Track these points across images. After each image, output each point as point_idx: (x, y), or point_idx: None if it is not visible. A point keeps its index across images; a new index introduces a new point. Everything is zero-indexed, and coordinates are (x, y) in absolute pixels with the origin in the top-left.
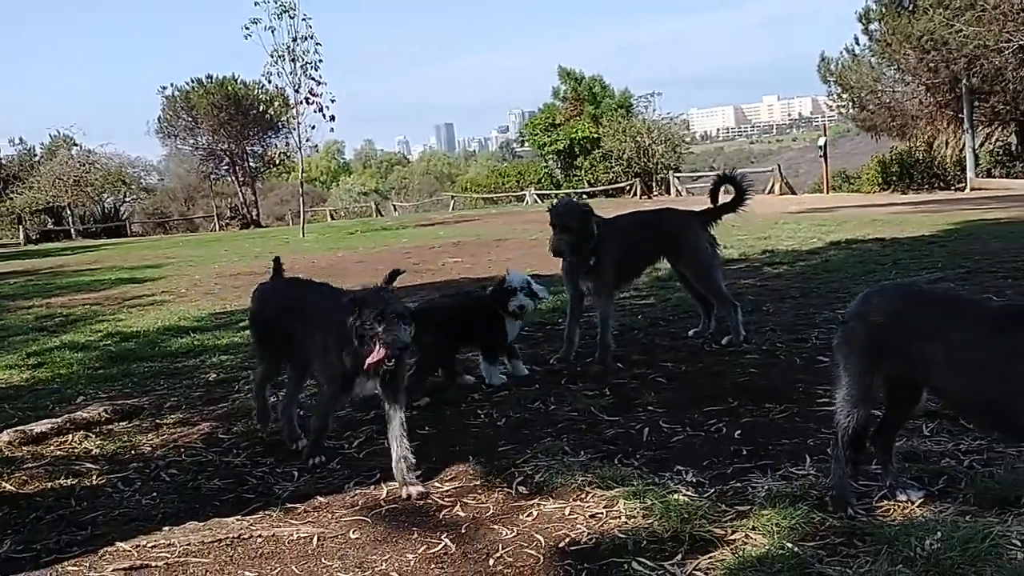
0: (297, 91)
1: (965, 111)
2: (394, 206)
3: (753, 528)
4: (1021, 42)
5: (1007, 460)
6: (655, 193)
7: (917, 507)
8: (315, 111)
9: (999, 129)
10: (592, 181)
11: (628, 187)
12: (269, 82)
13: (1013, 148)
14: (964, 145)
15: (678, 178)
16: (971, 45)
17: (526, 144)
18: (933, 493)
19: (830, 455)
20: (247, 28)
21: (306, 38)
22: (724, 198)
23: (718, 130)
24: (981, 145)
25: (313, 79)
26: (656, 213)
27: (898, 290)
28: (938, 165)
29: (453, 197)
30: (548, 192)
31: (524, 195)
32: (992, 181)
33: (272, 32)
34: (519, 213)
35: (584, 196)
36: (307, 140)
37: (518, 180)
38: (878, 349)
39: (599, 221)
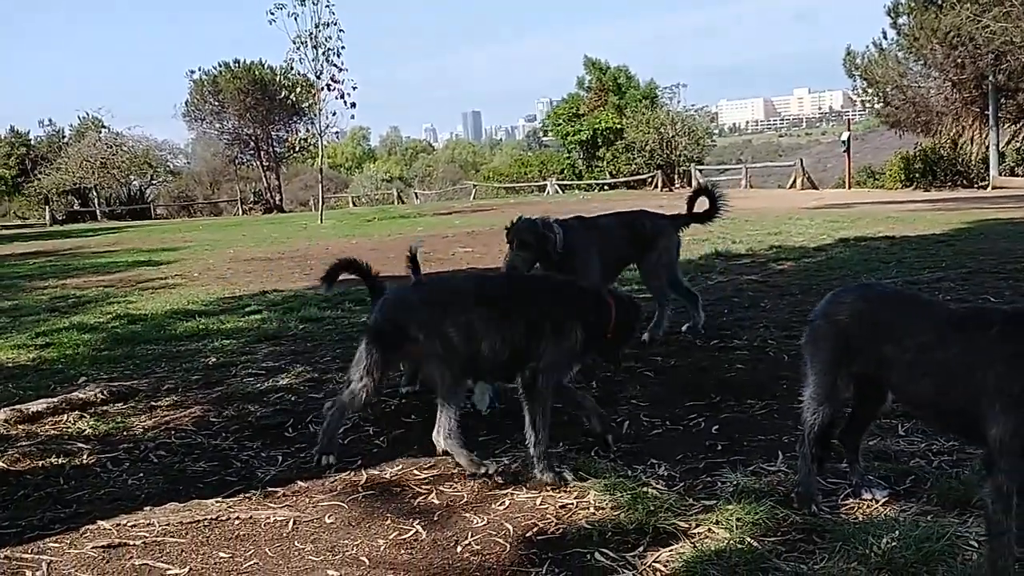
0: (319, 77)
1: (991, 108)
2: (416, 194)
3: (716, 522)
4: None
5: (975, 462)
6: (677, 186)
7: (881, 506)
8: (336, 98)
9: None
10: (614, 172)
11: (650, 179)
12: (292, 68)
13: None
14: (989, 142)
15: (700, 171)
16: (998, 41)
17: (550, 134)
18: (898, 492)
19: (798, 452)
20: (271, 13)
21: (328, 24)
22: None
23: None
24: (1007, 143)
25: (335, 65)
26: (635, 214)
27: (863, 290)
28: (962, 162)
29: (475, 186)
30: (570, 183)
31: (546, 185)
32: (1015, 180)
33: (295, 18)
34: (538, 203)
35: (605, 188)
36: (329, 126)
37: (540, 170)
38: (843, 348)
39: (579, 222)
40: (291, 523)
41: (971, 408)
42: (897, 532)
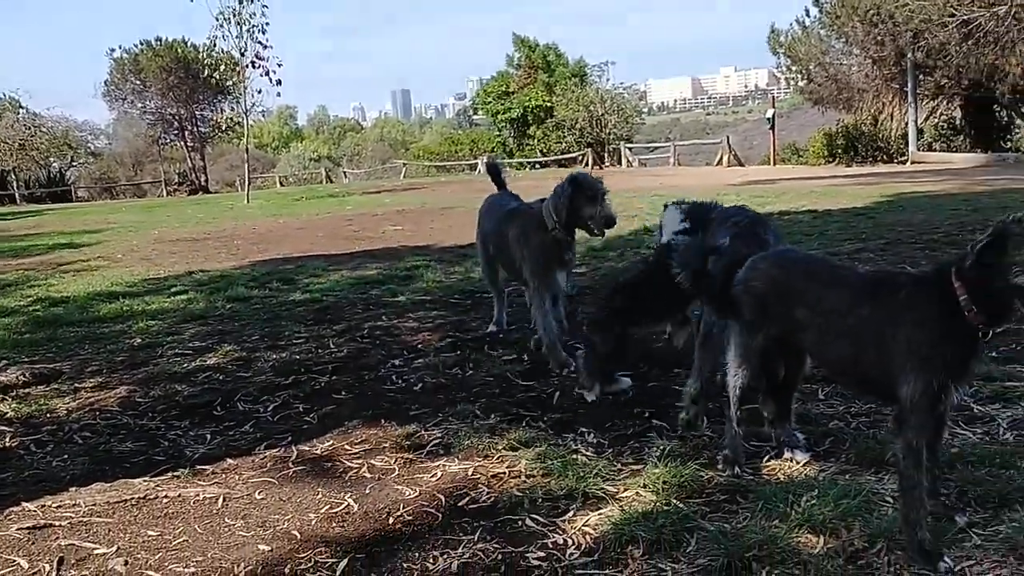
0: (243, 55)
1: (909, 85)
2: (344, 173)
3: (643, 486)
4: (964, 17)
5: (889, 421)
6: (607, 164)
7: (801, 466)
8: (261, 75)
9: (943, 103)
10: (545, 150)
11: (580, 157)
12: (215, 46)
13: (956, 122)
14: (908, 119)
15: (630, 149)
16: (916, 20)
17: (480, 112)
18: (818, 453)
19: (724, 416)
20: None
21: (252, 0)
22: None
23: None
24: (926, 119)
25: (260, 43)
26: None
27: (777, 257)
28: (882, 138)
29: (405, 165)
30: (501, 161)
31: (477, 163)
32: (932, 155)
33: None
34: (469, 182)
35: (536, 166)
36: (255, 105)
37: (471, 148)
38: (760, 314)
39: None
40: (221, 500)
41: (883, 369)
42: (816, 491)
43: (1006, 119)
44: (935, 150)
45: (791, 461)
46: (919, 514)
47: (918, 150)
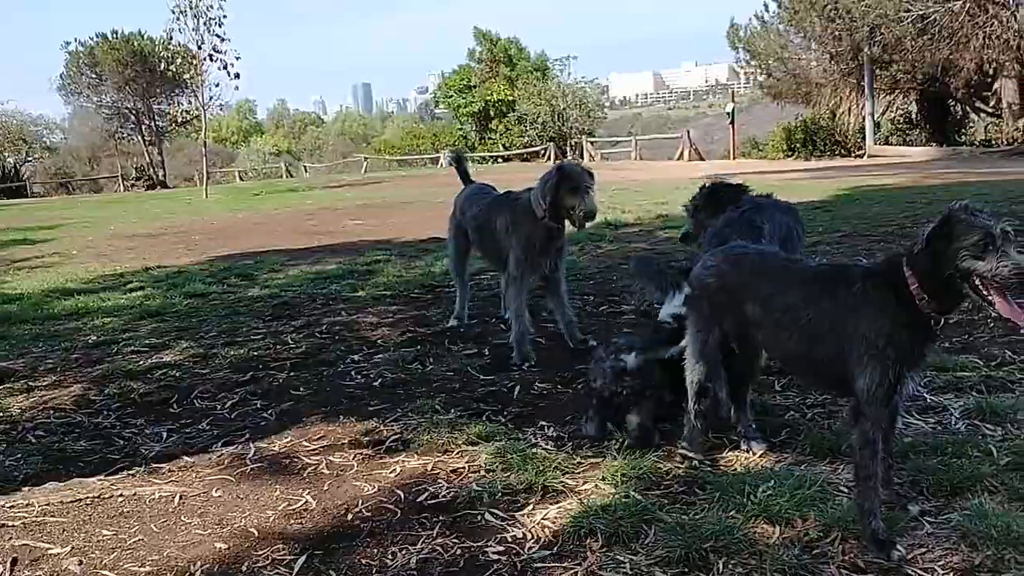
0: (200, 48)
1: (866, 79)
2: (305, 168)
3: (603, 478)
4: (920, 12)
5: (844, 412)
6: (569, 158)
7: (758, 457)
8: (219, 68)
9: (899, 97)
10: (507, 145)
11: (543, 151)
12: (171, 39)
13: (912, 116)
14: (865, 113)
15: (592, 143)
16: (873, 15)
17: (441, 106)
18: (774, 444)
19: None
20: None
21: None
22: None
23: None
24: (882, 113)
25: (217, 35)
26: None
27: (730, 253)
28: (840, 132)
29: (366, 159)
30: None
31: (438, 158)
32: (889, 148)
33: None
34: (430, 176)
35: (499, 160)
36: (213, 99)
37: (433, 142)
38: (713, 309)
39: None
40: (177, 498)
41: (839, 361)
42: (772, 481)
43: (960, 113)
44: (892, 144)
45: (748, 452)
46: (874, 504)
47: (875, 144)
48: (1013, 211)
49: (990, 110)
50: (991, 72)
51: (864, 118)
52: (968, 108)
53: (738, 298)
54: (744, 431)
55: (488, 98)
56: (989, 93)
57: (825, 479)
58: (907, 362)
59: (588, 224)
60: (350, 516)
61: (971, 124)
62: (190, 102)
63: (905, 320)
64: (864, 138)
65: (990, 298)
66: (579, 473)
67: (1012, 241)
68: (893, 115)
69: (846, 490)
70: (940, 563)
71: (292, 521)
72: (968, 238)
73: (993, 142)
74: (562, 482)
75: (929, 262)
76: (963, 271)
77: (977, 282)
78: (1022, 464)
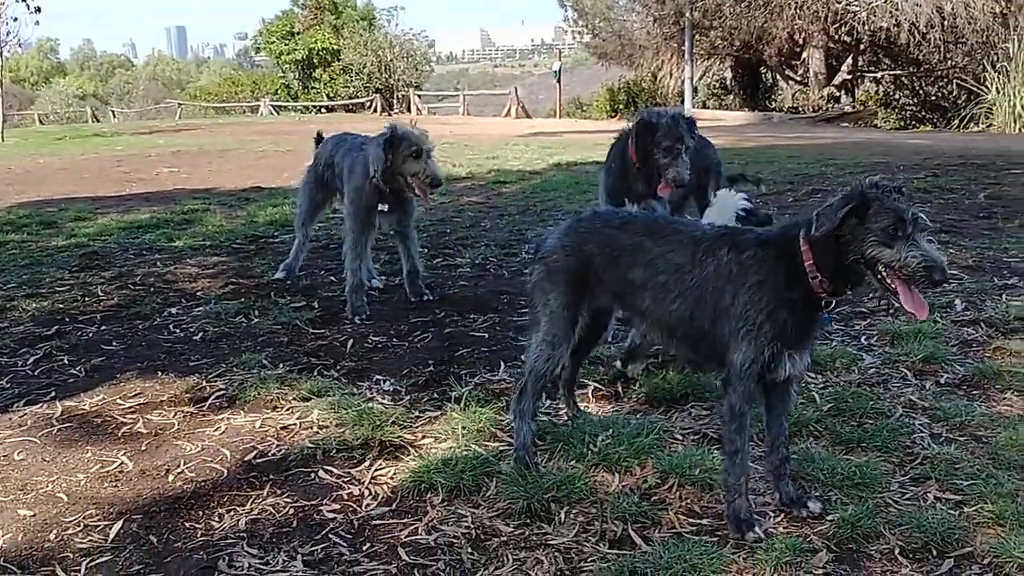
0: None
1: (687, 44)
2: (113, 112)
3: (442, 432)
4: None
5: (673, 362)
6: (396, 110)
7: (593, 407)
8: (17, 1)
9: (716, 63)
10: (331, 95)
11: (368, 103)
12: None
13: (727, 82)
14: (684, 76)
15: (419, 96)
16: None
17: (262, 52)
18: (609, 395)
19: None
20: None
21: None
22: None
23: (463, 51)
24: (700, 78)
25: None
26: None
27: (603, 217)
28: (661, 95)
29: (180, 105)
30: (284, 104)
31: (259, 106)
32: (705, 112)
33: None
34: (249, 124)
35: (322, 110)
36: (11, 34)
37: (253, 90)
38: (584, 281)
39: None
40: None
41: (717, 332)
42: (611, 431)
43: (771, 80)
44: (708, 107)
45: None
46: (739, 480)
47: (693, 107)
48: (823, 172)
49: (798, 78)
50: (801, 42)
51: (683, 82)
52: (779, 76)
53: (620, 263)
54: (574, 413)
55: (312, 46)
56: (798, 62)
57: (661, 426)
58: (787, 341)
59: (433, 193)
60: (171, 477)
61: (780, 91)
62: None
63: (792, 297)
64: (683, 101)
65: (893, 287)
66: (417, 427)
67: (922, 228)
68: (710, 80)
69: (681, 437)
70: (772, 506)
71: (106, 484)
72: (878, 222)
73: (800, 109)
74: (400, 437)
75: (832, 242)
76: (868, 258)
77: (882, 270)
78: (843, 409)
